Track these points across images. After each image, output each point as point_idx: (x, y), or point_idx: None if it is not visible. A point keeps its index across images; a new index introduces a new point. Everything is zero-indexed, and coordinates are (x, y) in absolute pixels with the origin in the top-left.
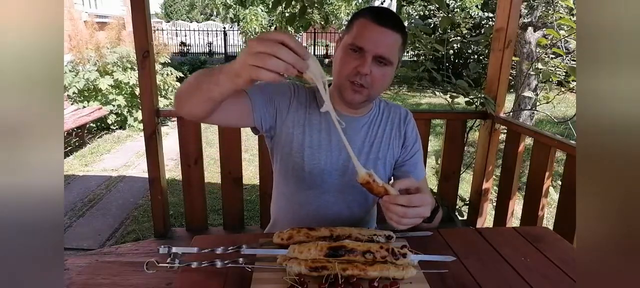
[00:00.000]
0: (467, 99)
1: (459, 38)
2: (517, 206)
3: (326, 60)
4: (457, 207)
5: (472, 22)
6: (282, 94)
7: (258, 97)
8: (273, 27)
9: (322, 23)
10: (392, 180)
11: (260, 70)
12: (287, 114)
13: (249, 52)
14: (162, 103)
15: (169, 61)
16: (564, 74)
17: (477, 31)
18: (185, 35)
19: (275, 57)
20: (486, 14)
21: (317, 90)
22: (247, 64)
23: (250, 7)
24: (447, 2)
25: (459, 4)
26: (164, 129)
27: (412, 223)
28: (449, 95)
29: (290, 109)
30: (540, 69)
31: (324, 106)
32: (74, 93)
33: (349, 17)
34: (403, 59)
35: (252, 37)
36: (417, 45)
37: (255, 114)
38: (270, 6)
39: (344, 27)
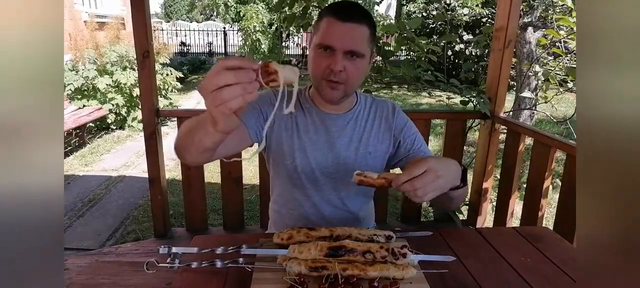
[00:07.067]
0: (462, 98)
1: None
2: (517, 206)
3: None
4: None
5: (472, 20)
6: (268, 103)
7: (249, 115)
8: (273, 27)
9: None
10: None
11: (223, 105)
12: (275, 120)
13: (205, 98)
14: (162, 103)
15: (169, 61)
16: (563, 74)
17: (477, 30)
18: (185, 35)
19: (227, 85)
20: (486, 10)
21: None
22: (212, 108)
23: (252, 3)
24: (447, 0)
25: (460, 1)
26: (164, 129)
27: (433, 192)
28: (446, 96)
29: (277, 115)
30: (539, 71)
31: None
32: (71, 91)
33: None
34: (401, 59)
35: (252, 35)
36: (413, 49)
37: (251, 132)
38: (271, 4)
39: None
